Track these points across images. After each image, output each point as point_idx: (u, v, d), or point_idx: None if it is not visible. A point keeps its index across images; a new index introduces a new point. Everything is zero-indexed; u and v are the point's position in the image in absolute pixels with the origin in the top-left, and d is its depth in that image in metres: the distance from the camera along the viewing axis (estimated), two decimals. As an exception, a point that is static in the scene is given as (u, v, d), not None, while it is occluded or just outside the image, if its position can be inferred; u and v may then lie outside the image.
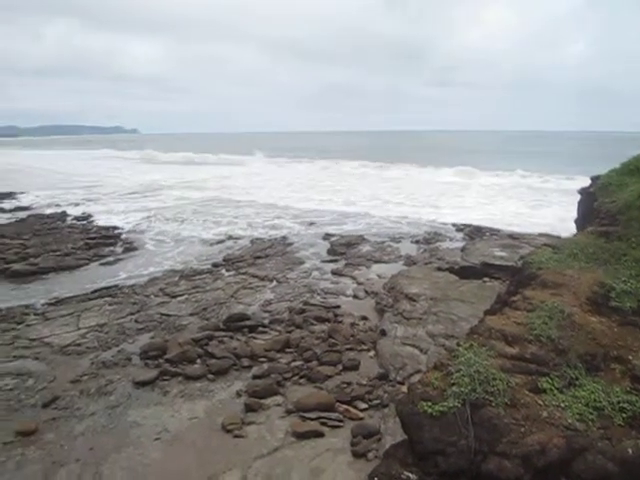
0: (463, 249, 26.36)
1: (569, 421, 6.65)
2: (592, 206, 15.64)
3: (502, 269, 21.34)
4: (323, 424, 11.86)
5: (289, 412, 12.48)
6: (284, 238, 32.33)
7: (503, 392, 7.02)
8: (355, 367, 14.74)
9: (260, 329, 17.68)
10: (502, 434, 6.64)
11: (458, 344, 8.38)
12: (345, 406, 12.62)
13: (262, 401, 12.95)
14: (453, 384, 7.21)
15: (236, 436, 11.54)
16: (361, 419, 12.14)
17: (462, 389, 7.04)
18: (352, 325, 17.73)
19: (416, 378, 11.75)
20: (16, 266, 25.71)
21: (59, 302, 20.81)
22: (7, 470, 10.45)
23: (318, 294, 21.53)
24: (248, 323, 17.89)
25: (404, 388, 12.47)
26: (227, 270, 25.37)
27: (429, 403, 7.08)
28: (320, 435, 11.50)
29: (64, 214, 42.22)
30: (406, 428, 7.37)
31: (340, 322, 18.09)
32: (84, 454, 10.94)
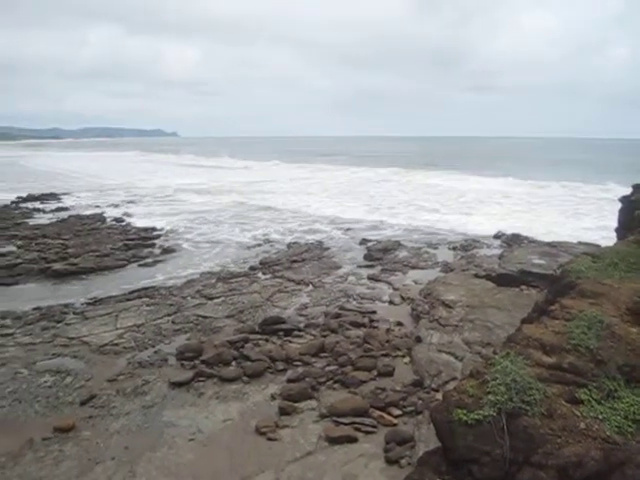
0: (500, 256, 26.06)
1: (607, 433, 6.51)
2: (633, 214, 15.34)
3: (540, 277, 21.02)
4: (357, 429, 11.83)
5: (323, 416, 12.49)
6: (320, 243, 32.42)
7: (540, 402, 6.91)
8: (390, 373, 14.66)
9: (295, 333, 17.74)
10: (538, 445, 6.54)
11: (494, 352, 8.30)
12: (379, 412, 12.57)
13: (296, 405, 12.98)
14: (489, 392, 7.13)
15: (269, 439, 11.58)
16: (395, 425, 12.08)
17: (498, 398, 6.95)
18: (387, 331, 17.68)
19: (451, 386, 11.68)
20: (56, 266, 26.27)
21: (98, 302, 21.22)
22: (46, 465, 10.68)
23: (354, 299, 21.53)
24: (284, 326, 17.97)
25: (439, 395, 12.39)
26: (263, 273, 25.55)
27: (464, 411, 7.01)
28: (353, 440, 11.48)
29: (104, 215, 43.07)
30: (440, 435, 7.32)
31: (375, 327, 18.06)
32: (119, 452, 11.11)
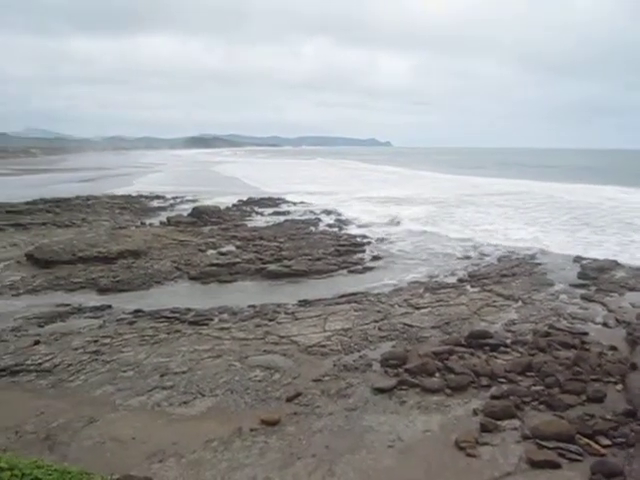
0: None
1: None
2: None
3: None
4: (561, 455, 11.17)
5: (525, 437, 11.98)
6: (532, 257, 31.10)
7: None
8: (600, 399, 13.67)
9: (502, 349, 17.22)
10: None
11: None
12: (586, 439, 11.76)
13: (498, 422, 12.59)
14: None
15: (468, 455, 11.37)
16: (603, 456, 11.21)
17: None
18: (600, 354, 16.46)
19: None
20: (271, 267, 28.10)
21: (308, 304, 22.32)
22: (252, 454, 11.49)
23: (565, 318, 20.39)
24: (490, 341, 17.54)
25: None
26: (472, 286, 25.12)
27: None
28: (556, 466, 10.87)
29: (318, 221, 45.16)
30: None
31: (587, 350, 16.91)
32: (320, 451, 11.58)
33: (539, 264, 29.58)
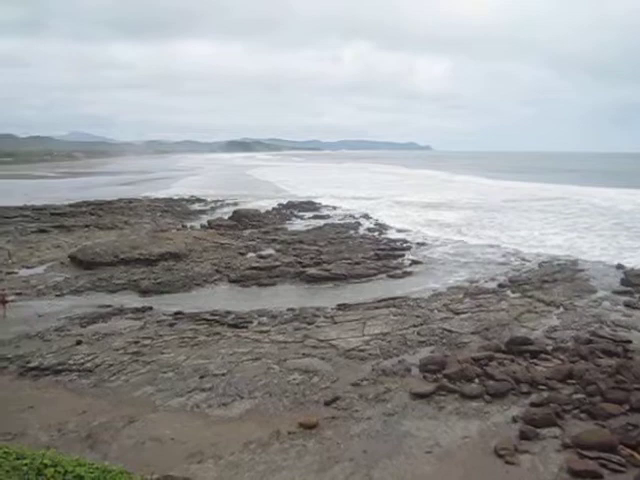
0: None
1: None
2: None
3: None
4: (602, 465, 11.02)
5: (566, 446, 11.83)
6: (574, 263, 30.60)
7: None
8: (643, 409, 13.42)
9: (542, 355, 17.04)
10: None
11: None
12: (629, 450, 11.56)
13: (538, 430, 12.45)
14: None
15: (508, 462, 11.28)
16: (646, 467, 11.02)
17: None
18: (643, 363, 16.15)
19: None
20: (311, 270, 28.24)
21: (347, 308, 22.39)
22: (289, 457, 11.60)
23: (607, 326, 20.11)
24: (531, 348, 17.36)
25: None
26: (512, 292, 24.92)
27: None
28: (598, 477, 10.74)
29: (358, 224, 45.20)
30: None
31: (630, 358, 16.60)
32: (357, 455, 11.62)
33: (581, 270, 29.13)
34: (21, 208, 51.03)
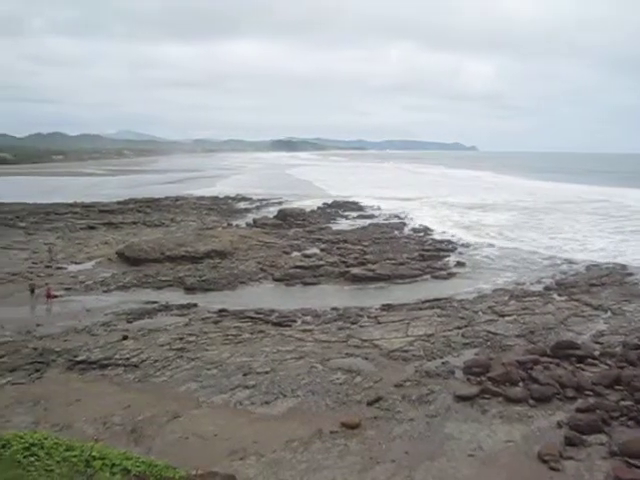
0: None
1: None
2: None
3: None
4: (651, 475, 10.78)
5: (613, 454, 11.63)
6: (623, 267, 29.94)
7: None
8: (696, 419, 13.07)
9: (589, 360, 16.75)
10: None
11: None
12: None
13: (584, 437, 12.25)
14: None
15: (552, 468, 11.14)
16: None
17: None
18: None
19: None
20: (355, 270, 28.28)
21: (391, 308, 22.38)
22: (331, 456, 11.66)
23: (658, 331, 19.63)
24: (577, 352, 17.09)
25: None
26: (559, 295, 24.53)
27: None
28: (645, 486, 10.51)
29: (402, 225, 45.06)
30: None
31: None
32: (399, 456, 11.63)
33: (630, 274, 28.48)
34: (71, 205, 52.46)
